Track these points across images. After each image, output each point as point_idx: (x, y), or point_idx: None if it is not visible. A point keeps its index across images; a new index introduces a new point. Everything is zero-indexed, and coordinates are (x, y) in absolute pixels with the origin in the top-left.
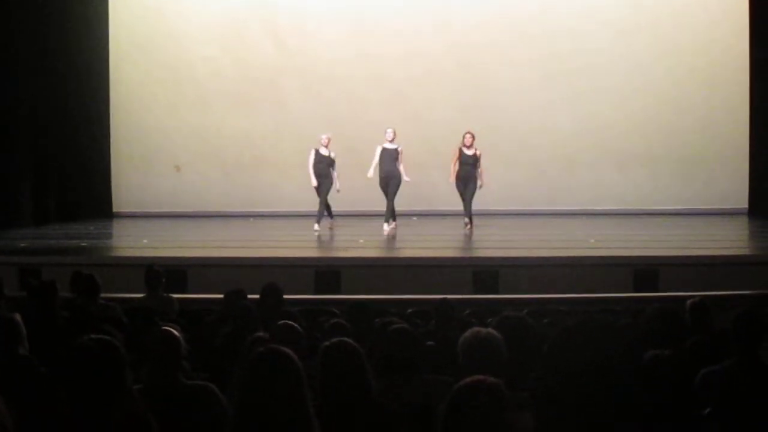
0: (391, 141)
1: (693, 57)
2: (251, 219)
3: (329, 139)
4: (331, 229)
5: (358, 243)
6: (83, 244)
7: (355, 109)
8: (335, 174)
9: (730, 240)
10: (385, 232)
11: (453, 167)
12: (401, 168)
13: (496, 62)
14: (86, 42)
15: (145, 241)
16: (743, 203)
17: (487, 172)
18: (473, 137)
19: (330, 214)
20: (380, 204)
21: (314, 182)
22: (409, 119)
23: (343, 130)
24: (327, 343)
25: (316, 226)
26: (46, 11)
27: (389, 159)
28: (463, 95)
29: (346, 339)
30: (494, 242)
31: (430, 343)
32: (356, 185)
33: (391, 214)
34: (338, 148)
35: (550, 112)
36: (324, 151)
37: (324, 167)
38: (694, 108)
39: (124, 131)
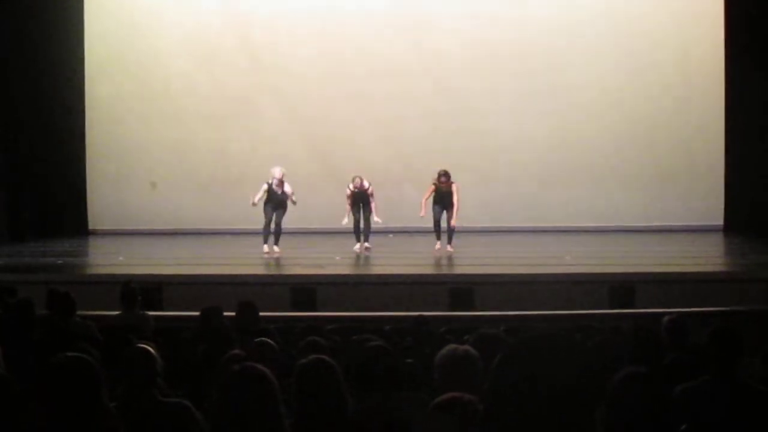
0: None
1: (668, 74)
2: (227, 237)
3: (282, 176)
4: (267, 254)
5: (334, 260)
6: (59, 261)
7: (330, 125)
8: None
9: (705, 257)
10: (359, 249)
11: (424, 201)
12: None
13: (471, 80)
14: (61, 58)
15: (120, 258)
16: (719, 220)
17: (462, 192)
18: (448, 177)
19: (276, 241)
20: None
21: (254, 200)
22: (385, 136)
23: (318, 146)
24: (303, 360)
25: (276, 248)
26: (21, 27)
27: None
28: (438, 112)
29: (322, 356)
30: (470, 259)
31: (408, 360)
32: (331, 202)
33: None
34: (313, 165)
35: (525, 129)
36: (277, 190)
37: (278, 202)
38: (669, 125)
39: (100, 148)
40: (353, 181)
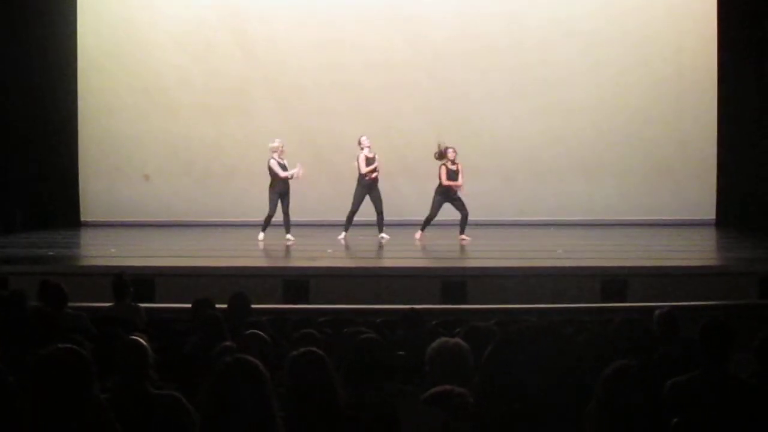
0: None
1: (661, 68)
2: (220, 229)
3: (282, 146)
4: (262, 242)
5: (327, 253)
6: (51, 252)
7: (325, 118)
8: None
9: (698, 250)
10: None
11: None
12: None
13: (465, 72)
14: (54, 50)
15: (113, 250)
16: (711, 214)
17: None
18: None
19: (288, 229)
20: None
21: (289, 173)
22: (379, 129)
23: (312, 139)
24: (294, 352)
25: (289, 236)
26: (14, 19)
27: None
28: (432, 105)
29: (313, 348)
30: (462, 252)
31: (400, 353)
32: (325, 195)
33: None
34: (307, 158)
35: (519, 123)
36: (283, 160)
37: (284, 180)
38: (662, 119)
39: (93, 139)
40: (359, 142)
